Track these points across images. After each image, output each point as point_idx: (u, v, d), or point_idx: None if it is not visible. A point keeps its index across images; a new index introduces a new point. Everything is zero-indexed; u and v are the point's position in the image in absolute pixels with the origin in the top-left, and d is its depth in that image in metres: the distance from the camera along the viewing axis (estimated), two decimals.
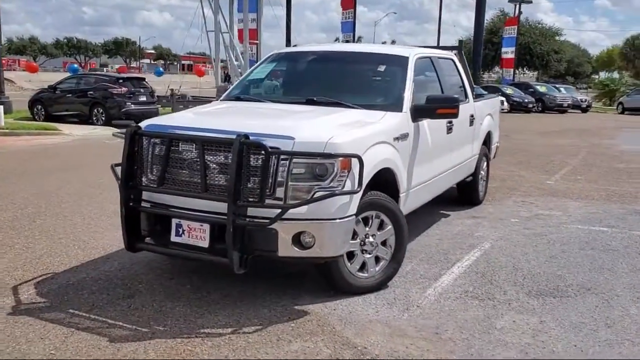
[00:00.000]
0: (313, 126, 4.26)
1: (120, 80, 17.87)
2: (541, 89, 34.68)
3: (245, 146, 3.80)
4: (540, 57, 57.57)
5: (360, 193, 4.09)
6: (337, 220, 3.97)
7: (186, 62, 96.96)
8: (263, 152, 3.79)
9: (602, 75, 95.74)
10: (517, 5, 38.19)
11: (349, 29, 32.26)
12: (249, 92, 5.67)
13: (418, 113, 5.07)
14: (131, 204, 4.20)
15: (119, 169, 4.53)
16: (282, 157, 3.86)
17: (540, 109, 32.56)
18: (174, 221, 4.13)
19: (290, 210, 3.83)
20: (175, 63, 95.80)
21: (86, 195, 7.75)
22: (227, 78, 21.70)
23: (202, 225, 4.03)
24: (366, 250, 4.44)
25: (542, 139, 17.02)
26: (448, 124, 5.85)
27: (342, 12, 33.10)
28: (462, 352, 3.58)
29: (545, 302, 4.40)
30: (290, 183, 3.87)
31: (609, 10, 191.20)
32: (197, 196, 3.98)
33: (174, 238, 4.13)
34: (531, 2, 41.64)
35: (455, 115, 5.12)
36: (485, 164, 7.81)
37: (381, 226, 4.50)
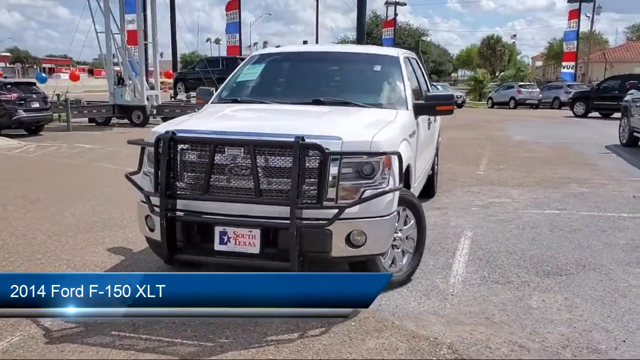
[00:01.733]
0: (352, 126, 4.28)
1: (8, 86, 16.37)
2: None
3: (301, 148, 3.75)
4: None
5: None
6: (386, 217, 4.06)
7: (47, 66, 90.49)
8: (320, 153, 3.76)
9: (460, 73, 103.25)
10: (394, 7, 40.24)
11: (235, 30, 32.31)
12: (243, 94, 5.51)
13: (419, 110, 5.25)
14: (169, 214, 3.97)
15: (134, 178, 4.30)
16: (331, 157, 3.86)
17: None
18: (218, 229, 3.96)
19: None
20: (35, 66, 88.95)
21: (31, 211, 7.10)
22: (120, 81, 20.53)
23: (251, 231, 3.91)
24: (395, 245, 4.54)
25: (444, 134, 18.01)
26: (429, 121, 6.11)
27: (227, 13, 33.16)
28: (520, 333, 3.81)
29: (557, 281, 4.77)
30: (340, 183, 3.89)
31: (459, 12, 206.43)
32: (251, 201, 3.85)
33: (217, 247, 3.96)
34: (405, 4, 44.03)
35: (451, 112, 5.37)
36: (437, 158, 8.22)
37: (405, 221, 4.63)
